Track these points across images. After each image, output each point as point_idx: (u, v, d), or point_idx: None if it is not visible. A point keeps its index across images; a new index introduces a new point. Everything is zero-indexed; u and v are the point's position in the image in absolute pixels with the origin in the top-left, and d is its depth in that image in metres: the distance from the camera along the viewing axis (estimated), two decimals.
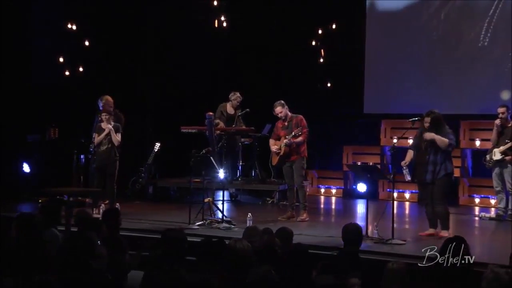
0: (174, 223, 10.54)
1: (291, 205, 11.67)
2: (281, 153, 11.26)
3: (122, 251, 7.02)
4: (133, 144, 14.47)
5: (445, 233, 9.85)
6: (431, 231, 10.16)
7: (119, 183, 12.94)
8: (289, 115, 11.39)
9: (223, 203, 10.93)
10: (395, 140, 15.10)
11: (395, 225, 11.78)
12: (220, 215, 10.87)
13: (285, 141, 11.16)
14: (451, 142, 9.88)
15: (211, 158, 10.65)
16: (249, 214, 10.35)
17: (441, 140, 9.81)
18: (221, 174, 13.73)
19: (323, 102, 16.08)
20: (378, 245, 9.24)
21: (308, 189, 15.66)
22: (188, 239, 6.56)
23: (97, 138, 11.47)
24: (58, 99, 14.59)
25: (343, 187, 15.59)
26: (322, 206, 14.61)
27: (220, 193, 14.85)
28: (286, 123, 11.40)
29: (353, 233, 6.92)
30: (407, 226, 11.83)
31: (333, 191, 15.71)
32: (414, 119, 10.21)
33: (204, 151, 11.16)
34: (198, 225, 10.36)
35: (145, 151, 14.49)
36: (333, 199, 15.39)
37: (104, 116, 11.46)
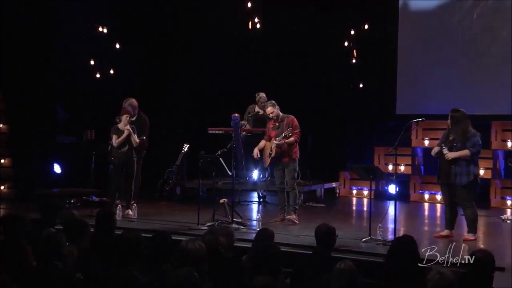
0: (187, 223, 10.69)
1: (282, 207, 11.33)
2: (273, 155, 11.04)
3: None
4: (162, 145, 14.63)
5: (471, 237, 9.74)
6: (446, 232, 10.02)
7: (148, 184, 13.12)
8: (281, 115, 11.17)
9: (233, 204, 10.91)
10: (426, 142, 15.12)
11: (426, 228, 11.82)
12: (238, 216, 10.90)
13: (275, 142, 10.96)
14: (473, 152, 9.72)
15: (221, 159, 10.62)
16: (258, 215, 10.38)
17: (464, 155, 9.70)
18: (255, 174, 13.94)
19: (356, 103, 16.05)
20: (378, 247, 9.11)
21: (339, 190, 15.76)
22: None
23: (117, 140, 11.57)
24: (91, 101, 14.89)
25: (374, 188, 15.42)
26: (354, 208, 14.62)
27: (252, 194, 15.02)
28: (277, 124, 11.18)
29: (322, 233, 6.89)
30: (438, 229, 11.64)
31: (365, 192, 15.58)
32: (418, 120, 10.10)
33: (219, 152, 11.13)
34: (208, 225, 10.37)
35: (174, 152, 14.53)
36: (365, 200, 15.28)
37: (125, 117, 11.58)
